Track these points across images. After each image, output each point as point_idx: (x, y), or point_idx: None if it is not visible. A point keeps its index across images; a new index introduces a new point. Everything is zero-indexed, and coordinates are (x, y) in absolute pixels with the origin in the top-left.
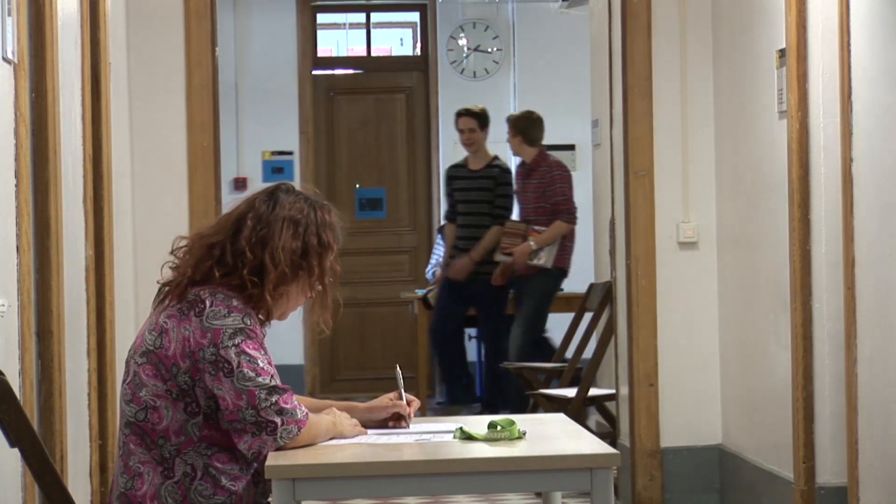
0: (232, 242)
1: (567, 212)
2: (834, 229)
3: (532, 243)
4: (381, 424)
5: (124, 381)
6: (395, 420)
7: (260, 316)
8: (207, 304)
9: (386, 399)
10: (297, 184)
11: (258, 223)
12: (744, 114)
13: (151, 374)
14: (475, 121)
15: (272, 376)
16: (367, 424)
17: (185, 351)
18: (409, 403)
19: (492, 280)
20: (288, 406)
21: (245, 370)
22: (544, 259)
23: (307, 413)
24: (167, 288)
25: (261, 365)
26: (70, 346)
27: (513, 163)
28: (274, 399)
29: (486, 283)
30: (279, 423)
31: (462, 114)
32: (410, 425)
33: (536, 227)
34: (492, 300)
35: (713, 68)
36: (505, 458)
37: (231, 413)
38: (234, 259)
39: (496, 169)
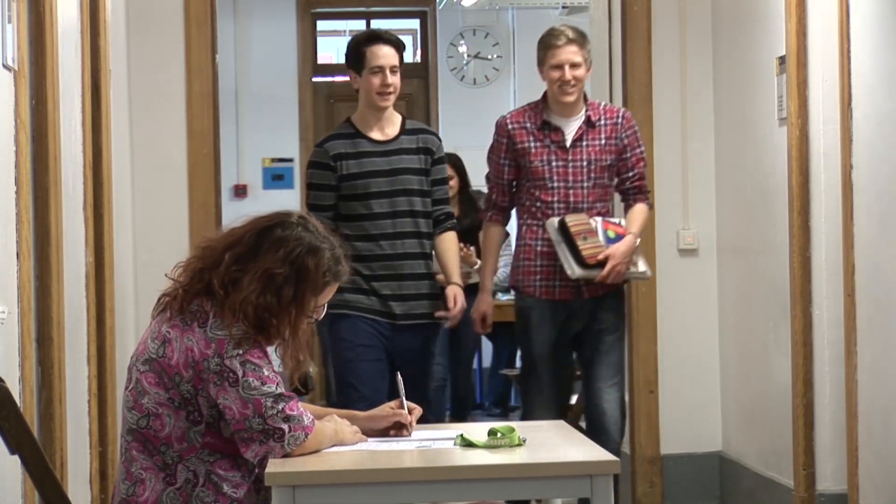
0: (213, 273)
1: (648, 191)
2: (834, 236)
3: (633, 235)
4: (383, 433)
5: (126, 387)
6: (397, 429)
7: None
8: (211, 314)
9: (387, 408)
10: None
11: (234, 263)
12: (744, 121)
13: (154, 382)
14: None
15: (277, 384)
16: (369, 433)
17: (188, 361)
18: (410, 412)
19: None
20: (294, 413)
21: (250, 379)
22: (643, 265)
23: (313, 419)
24: (166, 298)
25: (265, 373)
26: (70, 352)
27: None
28: (280, 406)
29: None
30: (287, 430)
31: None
32: (412, 433)
33: (610, 219)
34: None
35: (713, 75)
36: (505, 465)
37: (238, 422)
38: (214, 290)
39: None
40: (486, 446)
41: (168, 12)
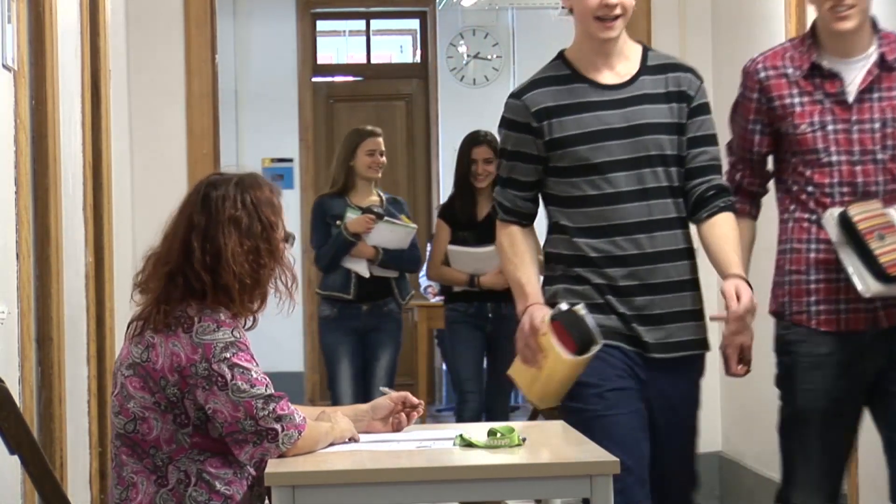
0: (189, 267)
1: None
2: None
3: None
4: (385, 419)
5: (112, 392)
6: (398, 418)
7: (248, 320)
8: (195, 319)
9: (386, 400)
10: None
11: (204, 240)
12: None
13: (139, 386)
14: None
15: (267, 385)
16: (371, 426)
17: (173, 366)
18: (413, 407)
19: None
20: (286, 412)
21: (239, 382)
22: None
23: (304, 417)
24: (139, 322)
25: (254, 376)
26: (70, 353)
27: None
28: (271, 407)
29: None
30: (279, 430)
31: None
32: (412, 423)
33: None
34: None
35: (713, 74)
36: (505, 465)
37: (230, 425)
38: (198, 284)
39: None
40: (486, 446)
41: (168, 12)
